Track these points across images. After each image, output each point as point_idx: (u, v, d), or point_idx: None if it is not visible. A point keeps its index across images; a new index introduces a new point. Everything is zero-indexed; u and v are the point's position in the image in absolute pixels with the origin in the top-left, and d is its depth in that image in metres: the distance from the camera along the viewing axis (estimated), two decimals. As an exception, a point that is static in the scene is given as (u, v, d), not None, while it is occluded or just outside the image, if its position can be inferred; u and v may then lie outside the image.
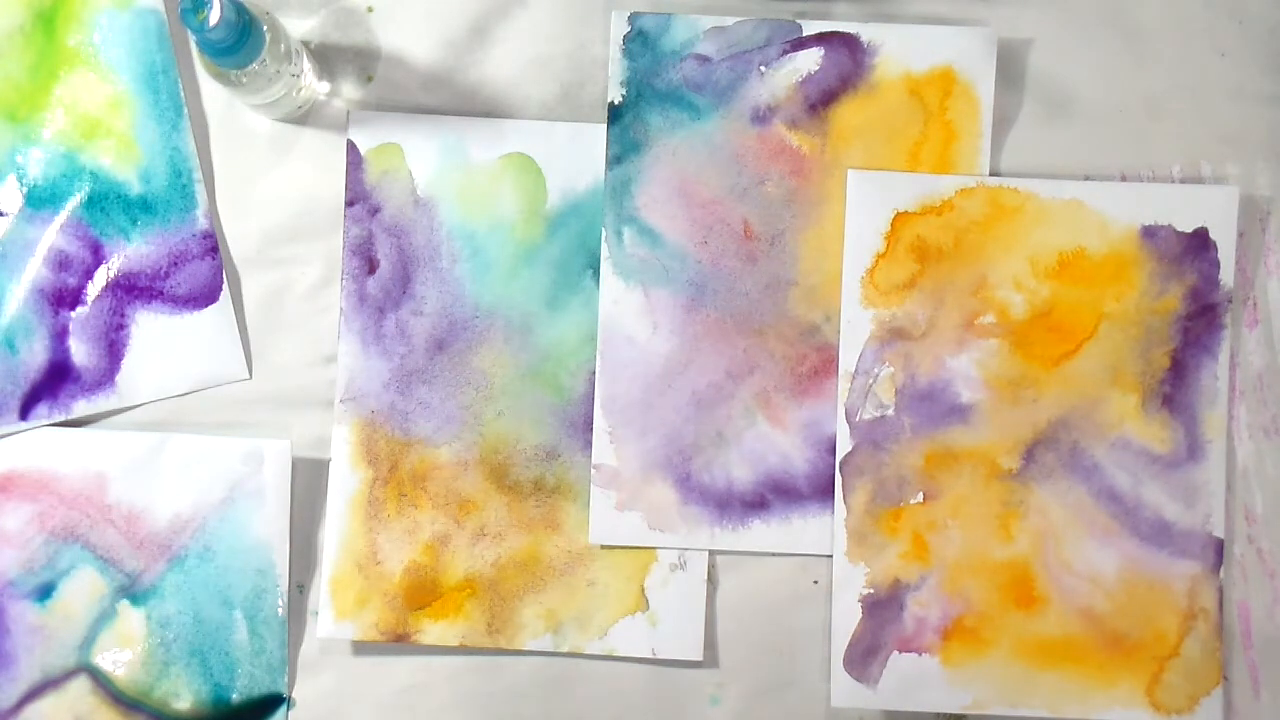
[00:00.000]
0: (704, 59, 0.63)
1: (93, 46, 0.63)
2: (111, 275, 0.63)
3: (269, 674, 0.62)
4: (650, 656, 0.62)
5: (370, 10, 0.64)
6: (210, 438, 0.63)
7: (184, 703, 0.62)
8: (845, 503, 0.62)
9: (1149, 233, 0.62)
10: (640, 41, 0.63)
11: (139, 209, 0.63)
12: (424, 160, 0.63)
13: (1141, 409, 0.62)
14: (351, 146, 0.63)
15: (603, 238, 0.63)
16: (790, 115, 0.63)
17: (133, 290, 0.63)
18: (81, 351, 0.63)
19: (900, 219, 0.62)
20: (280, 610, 0.62)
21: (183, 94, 0.63)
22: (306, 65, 0.61)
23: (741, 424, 0.62)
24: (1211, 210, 0.62)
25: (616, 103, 0.63)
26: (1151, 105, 0.63)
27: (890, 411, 0.62)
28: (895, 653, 0.61)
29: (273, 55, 0.57)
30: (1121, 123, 0.63)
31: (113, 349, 0.63)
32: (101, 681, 0.62)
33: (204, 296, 0.63)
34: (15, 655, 0.62)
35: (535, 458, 0.63)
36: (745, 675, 0.63)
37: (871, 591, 0.62)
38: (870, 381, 0.62)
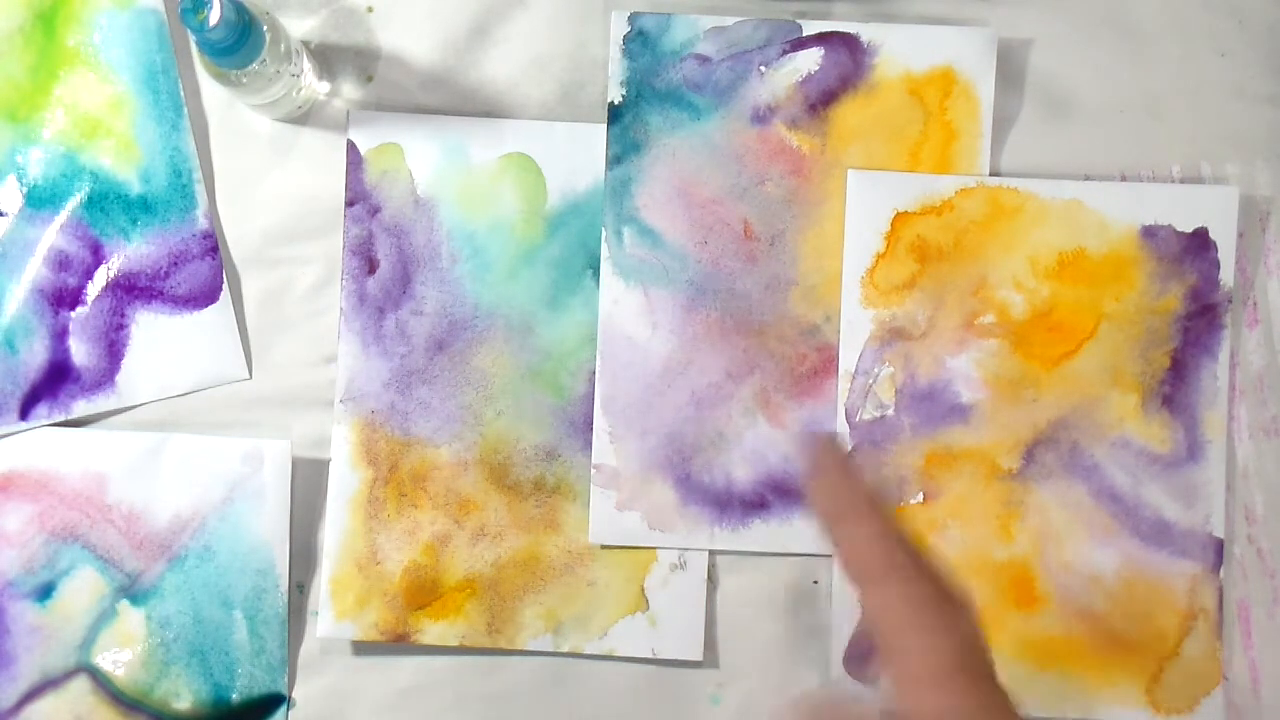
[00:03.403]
0: (704, 59, 0.62)
1: (93, 46, 0.62)
2: (111, 275, 0.63)
3: (269, 674, 0.62)
4: (650, 656, 0.62)
5: (370, 10, 0.63)
6: (210, 438, 0.62)
7: (184, 703, 0.62)
8: (845, 503, 0.61)
9: (1149, 233, 0.62)
10: (640, 42, 0.62)
11: (139, 209, 0.63)
12: (424, 160, 0.63)
13: (1141, 409, 0.62)
14: (351, 147, 0.63)
15: (602, 238, 0.62)
16: (790, 115, 0.62)
17: (133, 290, 0.63)
18: (81, 351, 0.63)
19: (900, 219, 0.62)
20: (280, 610, 0.62)
21: (183, 94, 0.63)
22: (306, 65, 0.61)
23: (741, 424, 0.62)
24: (1211, 210, 0.62)
25: (616, 103, 0.62)
26: (1151, 105, 0.63)
27: (890, 411, 0.62)
28: (895, 653, 0.61)
29: (273, 55, 0.57)
30: (1121, 123, 0.63)
31: (113, 349, 0.63)
32: (101, 681, 0.62)
33: (204, 296, 0.63)
34: (15, 655, 0.62)
35: (535, 458, 0.62)
36: (745, 675, 0.62)
37: (871, 591, 0.61)
38: (870, 381, 0.62)
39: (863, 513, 0.42)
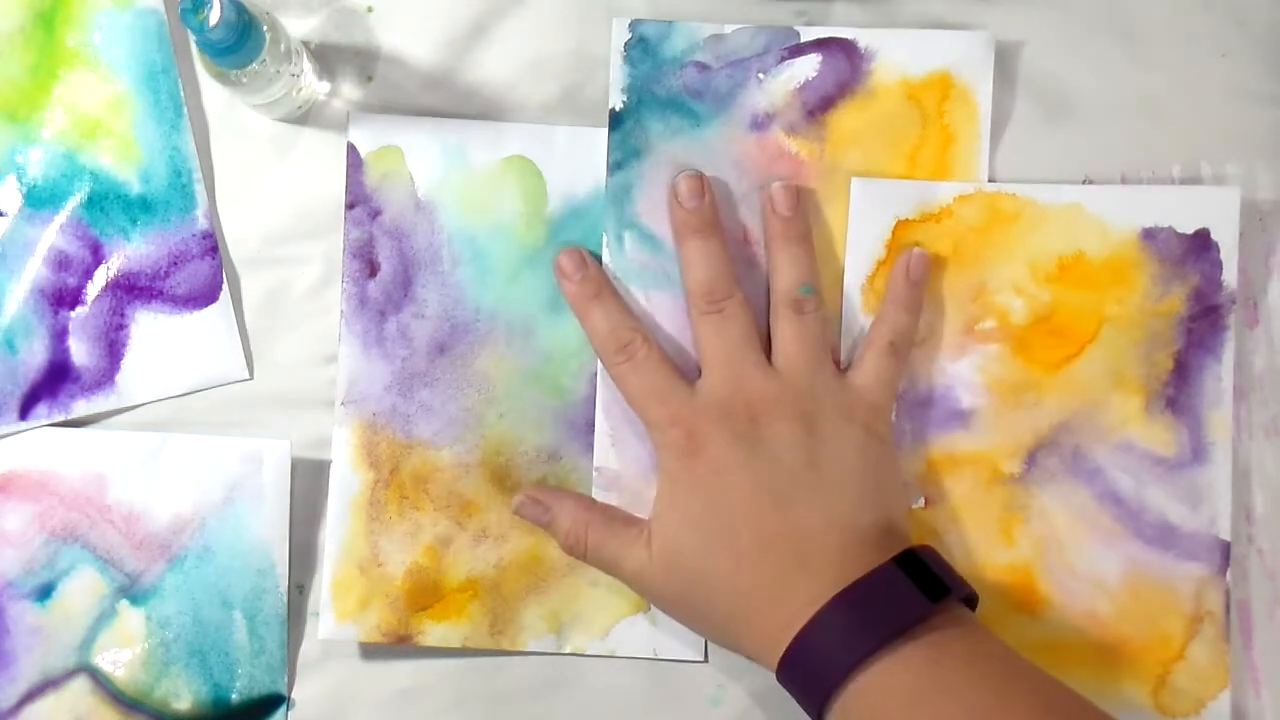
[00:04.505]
0: (703, 66, 0.60)
1: (93, 46, 0.60)
2: (111, 275, 0.61)
3: (269, 674, 0.60)
4: (652, 656, 0.60)
5: (370, 10, 0.61)
6: (210, 438, 0.60)
7: (184, 703, 0.60)
8: (846, 505, 0.59)
9: (1149, 235, 0.60)
10: (641, 49, 0.60)
11: (139, 209, 0.61)
12: (424, 163, 0.61)
13: (1145, 412, 0.59)
14: (352, 149, 0.61)
15: (603, 243, 0.60)
16: (788, 121, 0.60)
17: (133, 290, 0.61)
18: (81, 351, 0.60)
19: (901, 226, 0.60)
20: (280, 611, 0.60)
21: (183, 94, 0.61)
22: (306, 65, 0.59)
23: (742, 426, 0.60)
24: (1212, 211, 0.59)
25: (617, 109, 0.60)
26: (1151, 106, 0.61)
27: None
28: (896, 655, 0.59)
29: (273, 55, 0.55)
30: (1121, 124, 0.61)
31: (113, 349, 0.61)
32: (101, 681, 0.60)
33: (204, 296, 0.61)
34: (15, 655, 0.60)
35: (537, 460, 0.60)
36: (746, 676, 0.60)
37: (872, 594, 0.59)
38: (871, 385, 0.59)
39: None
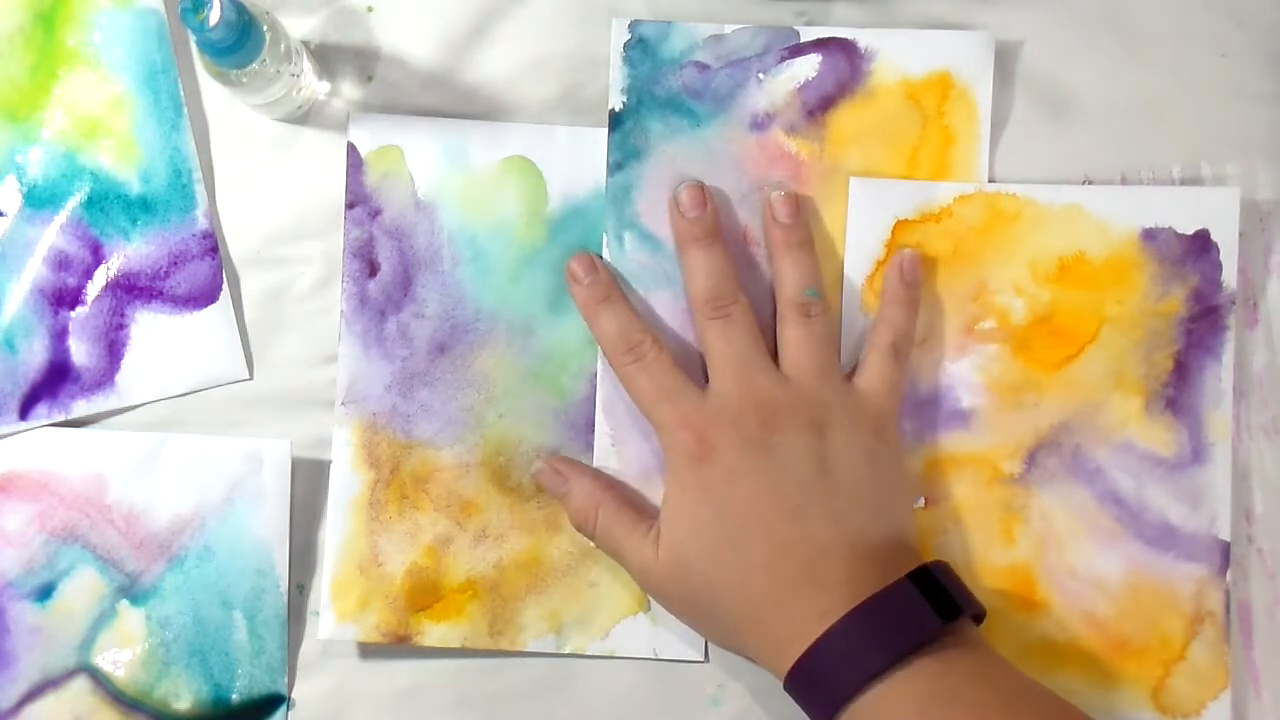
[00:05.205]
0: (703, 66, 0.60)
1: (93, 46, 0.60)
2: (111, 275, 0.60)
3: (269, 674, 0.59)
4: (652, 656, 0.60)
5: (370, 10, 0.61)
6: (210, 438, 0.60)
7: (184, 703, 0.59)
8: (846, 505, 0.59)
9: (1149, 235, 0.59)
10: (641, 49, 0.60)
11: (139, 209, 0.60)
12: (425, 163, 0.60)
13: (1145, 412, 0.59)
14: (352, 149, 0.60)
15: (604, 243, 0.60)
16: (788, 121, 0.60)
17: (133, 290, 0.60)
18: (81, 351, 0.60)
19: (900, 226, 0.59)
20: (280, 611, 0.60)
21: (183, 94, 0.60)
22: (306, 65, 0.59)
23: (742, 426, 0.59)
24: (1213, 211, 0.59)
25: (617, 110, 0.60)
26: (1151, 106, 0.60)
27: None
28: (896, 655, 0.58)
29: (273, 55, 0.55)
30: (1121, 124, 0.60)
31: (113, 349, 0.60)
32: (101, 681, 0.59)
33: (204, 296, 0.60)
34: (15, 655, 0.59)
35: (537, 460, 0.60)
36: (746, 676, 0.60)
37: (872, 594, 0.59)
38: (871, 385, 0.59)
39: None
